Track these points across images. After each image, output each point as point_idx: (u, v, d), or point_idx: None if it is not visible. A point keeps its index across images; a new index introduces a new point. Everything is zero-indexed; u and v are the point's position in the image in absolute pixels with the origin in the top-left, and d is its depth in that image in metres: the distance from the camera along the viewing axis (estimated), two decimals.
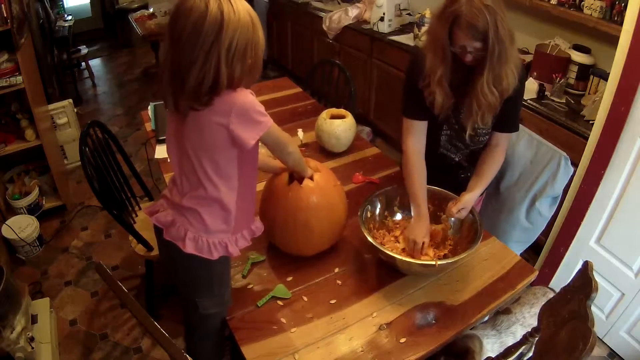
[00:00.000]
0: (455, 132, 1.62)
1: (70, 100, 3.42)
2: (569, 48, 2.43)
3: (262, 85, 2.89)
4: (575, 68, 2.38)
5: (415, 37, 3.12)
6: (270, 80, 3.13)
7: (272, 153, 1.34)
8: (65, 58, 4.63)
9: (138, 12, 4.99)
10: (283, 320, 1.37)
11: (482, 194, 1.67)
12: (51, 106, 3.24)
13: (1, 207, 2.70)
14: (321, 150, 2.17)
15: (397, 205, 1.68)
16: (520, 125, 1.68)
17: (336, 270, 1.54)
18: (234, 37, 1.05)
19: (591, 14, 2.17)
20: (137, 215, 2.16)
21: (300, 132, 2.27)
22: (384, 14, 3.28)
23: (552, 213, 1.89)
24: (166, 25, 1.10)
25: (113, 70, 5.43)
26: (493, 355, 1.39)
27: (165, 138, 1.51)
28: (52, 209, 2.94)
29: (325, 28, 3.83)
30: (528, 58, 2.57)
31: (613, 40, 1.84)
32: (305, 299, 1.44)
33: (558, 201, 1.87)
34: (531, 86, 2.34)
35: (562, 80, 2.33)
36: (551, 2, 2.37)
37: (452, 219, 1.58)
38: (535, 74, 2.46)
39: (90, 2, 6.18)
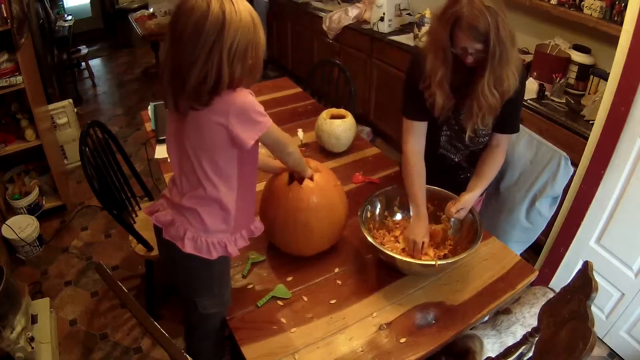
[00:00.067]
0: (455, 133, 1.62)
1: (70, 100, 3.42)
2: (569, 48, 2.43)
3: (262, 85, 2.89)
4: (575, 68, 2.38)
5: (415, 37, 3.12)
6: (270, 80, 3.13)
7: (272, 153, 1.34)
8: (65, 58, 4.63)
9: (138, 12, 4.99)
10: (283, 320, 1.37)
11: (482, 194, 1.67)
12: (51, 106, 3.24)
13: (1, 207, 2.69)
14: (321, 150, 2.17)
15: (397, 205, 1.68)
16: (520, 125, 1.68)
17: (336, 270, 1.54)
18: (235, 38, 1.05)
19: (591, 14, 2.17)
20: (137, 215, 2.16)
21: (300, 132, 2.27)
22: (384, 14, 3.28)
23: (552, 213, 1.89)
24: (167, 25, 1.10)
25: (113, 70, 5.43)
26: (493, 355, 1.39)
27: (165, 138, 1.51)
28: (52, 209, 2.94)
29: (325, 28, 3.83)
30: (528, 58, 2.57)
31: (613, 40, 1.84)
32: (305, 299, 1.44)
33: (558, 201, 1.87)
34: (531, 86, 2.34)
35: (562, 80, 2.33)
36: (551, 2, 2.37)
37: (452, 219, 1.58)
38: (535, 74, 2.46)
39: (90, 2, 6.18)
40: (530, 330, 1.27)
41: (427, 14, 3.06)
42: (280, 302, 1.43)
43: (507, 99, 1.45)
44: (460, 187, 1.59)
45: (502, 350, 1.37)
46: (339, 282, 1.50)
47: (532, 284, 1.59)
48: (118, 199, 2.01)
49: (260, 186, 1.47)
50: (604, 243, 2.00)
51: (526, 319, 1.54)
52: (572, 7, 2.28)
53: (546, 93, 2.35)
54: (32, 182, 2.88)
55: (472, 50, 1.35)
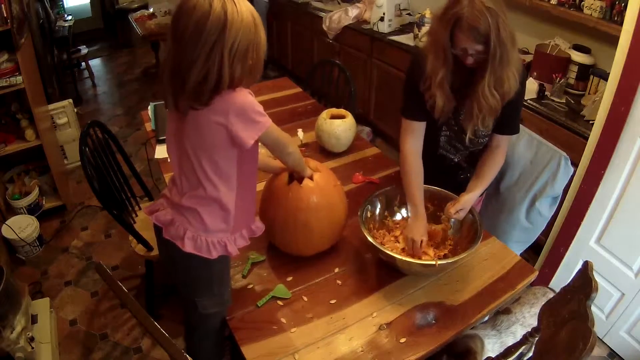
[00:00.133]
0: (454, 134, 1.62)
1: (70, 100, 3.42)
2: (569, 48, 2.43)
3: (262, 85, 2.89)
4: (575, 68, 2.38)
5: (415, 37, 3.12)
6: (270, 80, 3.13)
7: (272, 153, 1.34)
8: (65, 58, 4.63)
9: (138, 12, 4.99)
10: (283, 320, 1.37)
11: (482, 194, 1.67)
12: (51, 106, 3.24)
13: (1, 207, 2.69)
14: (321, 150, 2.16)
15: (397, 205, 1.68)
16: (520, 126, 1.68)
17: (336, 270, 1.54)
18: (236, 38, 1.05)
19: (591, 14, 2.17)
20: (137, 215, 2.16)
21: (300, 132, 2.27)
22: (384, 14, 3.28)
23: (552, 213, 1.89)
24: (168, 25, 1.10)
25: (113, 70, 5.43)
26: (493, 355, 1.39)
27: (165, 138, 1.51)
28: (52, 209, 2.94)
29: (325, 28, 3.83)
30: (528, 58, 2.57)
31: (613, 40, 1.84)
32: (305, 299, 1.44)
33: (558, 201, 1.87)
34: (531, 86, 2.34)
35: (562, 80, 2.33)
36: (551, 2, 2.37)
37: (452, 219, 1.58)
38: (535, 74, 2.46)
39: (90, 2, 6.18)
40: (530, 330, 1.27)
41: (427, 14, 3.06)
42: (280, 302, 1.43)
43: (507, 100, 1.44)
44: (460, 188, 1.59)
45: (502, 350, 1.37)
46: (339, 282, 1.50)
47: (532, 284, 1.59)
48: (118, 199, 2.01)
49: (260, 186, 1.47)
50: (604, 243, 2.00)
51: (526, 319, 1.54)
52: (572, 7, 2.28)
53: (546, 93, 2.35)
54: (32, 182, 2.88)
55: (473, 51, 1.35)
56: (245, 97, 1.12)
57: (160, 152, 2.14)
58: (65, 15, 4.94)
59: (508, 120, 1.55)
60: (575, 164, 1.86)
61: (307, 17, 4.18)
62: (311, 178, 1.47)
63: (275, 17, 4.79)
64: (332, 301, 1.43)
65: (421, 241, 1.49)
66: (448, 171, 1.74)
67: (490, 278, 1.50)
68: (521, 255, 1.65)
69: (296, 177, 1.49)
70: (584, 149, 1.94)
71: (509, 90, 1.42)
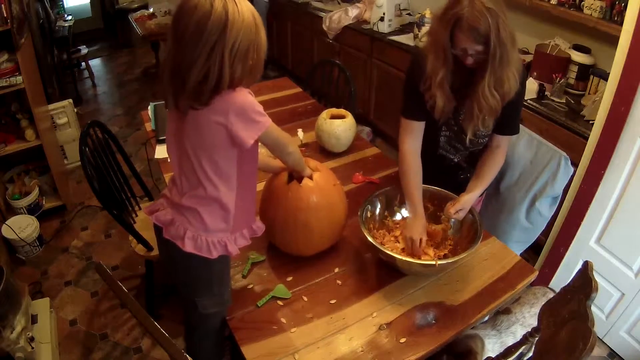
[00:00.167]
0: (454, 134, 1.62)
1: (70, 100, 3.42)
2: (569, 48, 2.43)
3: (262, 85, 2.89)
4: (575, 68, 2.38)
5: (415, 37, 3.12)
6: (270, 80, 3.13)
7: (272, 153, 1.34)
8: (65, 58, 4.63)
9: (138, 12, 4.99)
10: (283, 320, 1.37)
11: (482, 194, 1.67)
12: (51, 106, 3.24)
13: (1, 207, 2.69)
14: (321, 150, 2.17)
15: (397, 205, 1.68)
16: (520, 126, 1.68)
17: (336, 270, 1.54)
18: (237, 38, 1.05)
19: (591, 14, 2.17)
20: (137, 215, 2.16)
21: (300, 132, 2.27)
22: (384, 14, 3.28)
23: (552, 213, 1.89)
24: (168, 24, 1.10)
25: (113, 70, 5.43)
26: (493, 355, 1.39)
27: (165, 138, 1.51)
28: (52, 209, 2.94)
29: (325, 28, 3.83)
30: (528, 58, 2.57)
31: (613, 40, 1.84)
32: (305, 299, 1.44)
33: (558, 201, 1.87)
34: (531, 86, 2.34)
35: (562, 80, 2.33)
36: (551, 2, 2.37)
37: (452, 219, 1.58)
38: (535, 74, 2.46)
39: (90, 2, 6.18)
40: (530, 330, 1.27)
41: (427, 14, 3.06)
42: (280, 302, 1.43)
43: (507, 100, 1.44)
44: (460, 188, 1.59)
45: (502, 350, 1.37)
46: (339, 282, 1.50)
47: (532, 284, 1.59)
48: (118, 199, 2.01)
49: (260, 186, 1.47)
50: (604, 243, 2.00)
51: (526, 319, 1.54)
52: (572, 7, 2.28)
53: (546, 93, 2.35)
54: (32, 182, 2.88)
55: (473, 51, 1.35)
56: (245, 97, 1.12)
57: (160, 152, 2.14)
58: (65, 15, 4.94)
59: (508, 120, 1.55)
60: (575, 164, 1.86)
61: (307, 17, 4.18)
62: (311, 178, 1.47)
63: (275, 17, 4.79)
64: (332, 301, 1.43)
65: (420, 240, 1.50)
66: (448, 171, 1.74)
67: (490, 278, 1.50)
68: (521, 255, 1.65)
69: (296, 176, 1.49)
70: (584, 149, 1.94)
71: (509, 91, 1.42)
